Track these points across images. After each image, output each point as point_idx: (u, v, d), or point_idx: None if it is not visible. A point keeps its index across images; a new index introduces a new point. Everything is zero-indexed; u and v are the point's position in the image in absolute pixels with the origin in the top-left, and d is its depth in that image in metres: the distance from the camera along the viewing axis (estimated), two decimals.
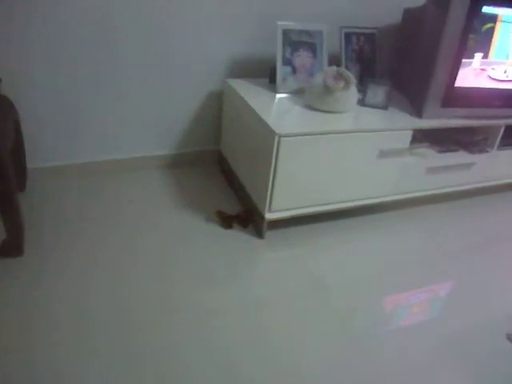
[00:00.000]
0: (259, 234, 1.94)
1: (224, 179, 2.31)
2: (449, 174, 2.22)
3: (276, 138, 1.69)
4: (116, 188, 2.15)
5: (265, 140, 1.77)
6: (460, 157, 2.23)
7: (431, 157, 2.15)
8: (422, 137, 2.15)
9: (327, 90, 1.87)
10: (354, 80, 1.86)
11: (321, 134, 1.76)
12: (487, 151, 2.30)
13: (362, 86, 2.05)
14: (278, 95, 2.04)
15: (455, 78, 1.97)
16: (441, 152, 2.20)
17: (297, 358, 1.46)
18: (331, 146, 1.80)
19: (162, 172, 2.31)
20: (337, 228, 2.07)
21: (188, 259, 1.79)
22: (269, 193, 1.81)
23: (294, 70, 2.06)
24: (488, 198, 2.52)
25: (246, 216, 1.98)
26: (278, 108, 1.92)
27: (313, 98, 1.92)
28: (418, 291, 1.80)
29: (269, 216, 1.88)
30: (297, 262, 1.86)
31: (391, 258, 1.97)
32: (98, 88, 2.02)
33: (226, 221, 1.96)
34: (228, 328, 1.52)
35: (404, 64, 2.23)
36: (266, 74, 2.16)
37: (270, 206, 1.85)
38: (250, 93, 2.01)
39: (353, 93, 1.93)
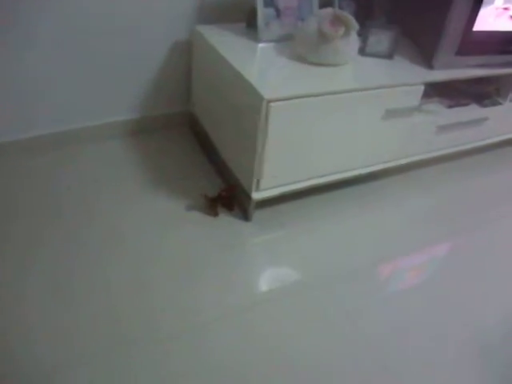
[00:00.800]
0: (245, 216, 1.62)
1: (199, 147, 1.95)
2: (459, 132, 1.92)
3: (264, 104, 1.34)
4: (74, 164, 1.77)
5: (249, 105, 1.41)
6: (471, 111, 1.92)
7: (441, 113, 1.82)
8: (431, 91, 1.82)
9: (323, 38, 1.51)
10: (356, 25, 1.50)
11: (318, 95, 1.42)
12: (500, 103, 1.98)
13: (362, 31, 1.67)
14: (261, 44, 1.66)
15: (475, 20, 1.62)
16: (450, 107, 1.88)
17: (299, 356, 1.23)
18: (330, 109, 1.46)
19: (124, 141, 1.93)
20: (334, 200, 1.78)
21: (158, 251, 1.48)
22: (256, 169, 1.47)
23: (279, 13, 1.67)
24: (500, 152, 2.24)
25: (228, 195, 1.63)
26: (262, 62, 1.56)
27: (304, 49, 1.56)
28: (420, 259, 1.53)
29: (257, 196, 1.55)
30: (290, 246, 1.57)
31: (394, 232, 1.70)
32: (36, 44, 1.60)
33: (211, 206, 1.62)
34: (219, 331, 1.27)
35: (411, 3, 1.85)
36: (242, 18, 1.76)
37: (257, 184, 1.52)
38: (226, 42, 1.62)
39: (353, 40, 1.57)
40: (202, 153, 1.91)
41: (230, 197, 1.63)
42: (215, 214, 1.61)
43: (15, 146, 1.76)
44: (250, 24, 1.74)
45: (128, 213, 1.59)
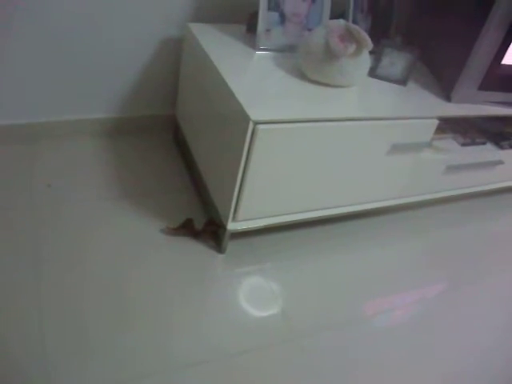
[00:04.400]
0: (219, 246, 1.41)
1: (179, 156, 1.73)
2: (469, 173, 1.71)
3: (250, 126, 1.13)
4: (32, 164, 1.55)
5: (234, 123, 1.21)
6: (486, 152, 1.71)
7: (454, 151, 1.62)
8: (444, 125, 1.61)
9: (329, 54, 1.30)
10: (370, 43, 1.29)
11: (316, 121, 1.21)
12: None
13: (375, 49, 1.46)
14: (258, 52, 1.45)
15: (505, 52, 1.42)
16: (464, 145, 1.67)
17: None
18: (327, 137, 1.26)
19: (99, 142, 1.72)
20: (318, 236, 1.57)
21: (123, 278, 1.27)
22: (235, 197, 1.27)
23: (284, 19, 1.46)
24: (509, 196, 2.03)
25: (211, 229, 1.43)
26: (255, 74, 1.35)
27: (307, 64, 1.35)
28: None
29: (233, 226, 1.35)
30: (266, 286, 1.37)
31: (379, 276, 1.50)
32: (14, 29, 1.38)
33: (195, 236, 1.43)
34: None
35: (432, 23, 1.64)
36: (243, 19, 1.55)
37: (234, 215, 1.31)
38: (219, 46, 1.41)
39: (364, 61, 1.36)
40: (183, 163, 1.70)
41: (213, 231, 1.43)
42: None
43: None
44: (250, 28, 1.53)
45: (89, 228, 1.38)
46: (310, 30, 1.47)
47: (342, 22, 1.33)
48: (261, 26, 1.43)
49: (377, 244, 1.61)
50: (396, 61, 1.47)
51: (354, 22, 1.54)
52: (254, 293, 1.33)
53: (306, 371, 1.18)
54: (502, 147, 1.74)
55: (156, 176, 1.62)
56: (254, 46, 1.45)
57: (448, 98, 1.49)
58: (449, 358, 1.31)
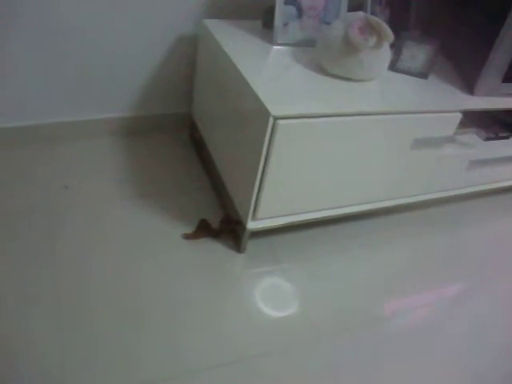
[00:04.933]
0: (237, 246, 1.39)
1: (196, 155, 1.71)
2: (492, 168, 1.66)
3: (270, 121, 1.10)
4: (48, 164, 1.54)
5: (253, 119, 1.18)
6: (511, 146, 1.66)
7: (477, 146, 1.57)
8: (467, 119, 1.57)
9: (349, 47, 1.27)
10: (391, 35, 1.25)
11: (335, 115, 1.18)
12: None
13: (395, 42, 1.42)
14: (276, 47, 1.42)
15: None
16: (488, 139, 1.63)
17: None
18: (348, 132, 1.23)
19: (114, 141, 1.71)
20: (338, 234, 1.55)
21: (137, 281, 1.24)
22: (254, 195, 1.24)
23: (301, 13, 1.43)
24: None
25: (227, 228, 1.41)
26: (273, 69, 1.32)
27: (326, 58, 1.32)
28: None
29: (252, 225, 1.32)
30: (286, 286, 1.34)
31: (401, 275, 1.47)
32: (26, 30, 1.37)
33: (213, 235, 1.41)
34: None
35: (453, 14, 1.60)
36: (259, 14, 1.52)
37: (254, 213, 1.28)
38: (235, 42, 1.39)
39: (385, 54, 1.33)
40: (199, 162, 1.68)
41: (230, 229, 1.41)
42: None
43: None
44: (266, 23, 1.50)
45: (106, 228, 1.37)
46: (327, 23, 1.44)
47: (361, 14, 1.30)
48: (278, 20, 1.40)
49: (398, 242, 1.58)
50: (416, 54, 1.43)
51: (373, 14, 1.51)
52: (274, 293, 1.31)
53: (325, 372, 1.14)
54: None
55: (172, 175, 1.60)
56: (271, 40, 1.42)
57: (471, 91, 1.45)
58: (468, 358, 1.27)
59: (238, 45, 1.37)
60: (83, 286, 1.20)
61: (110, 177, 1.55)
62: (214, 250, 1.38)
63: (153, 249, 1.34)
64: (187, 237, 1.39)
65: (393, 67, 1.44)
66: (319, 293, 1.34)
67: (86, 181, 1.51)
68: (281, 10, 1.40)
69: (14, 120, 1.54)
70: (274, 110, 1.10)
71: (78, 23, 1.44)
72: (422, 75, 1.45)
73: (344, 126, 1.20)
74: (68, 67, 1.51)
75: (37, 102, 1.54)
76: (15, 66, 1.45)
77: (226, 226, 1.40)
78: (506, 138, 1.67)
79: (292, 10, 1.42)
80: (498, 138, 1.65)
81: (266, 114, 1.10)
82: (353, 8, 1.46)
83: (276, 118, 1.10)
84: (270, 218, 1.33)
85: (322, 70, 1.33)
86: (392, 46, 1.36)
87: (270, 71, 1.30)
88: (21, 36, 1.39)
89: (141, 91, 1.68)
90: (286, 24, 1.42)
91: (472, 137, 1.60)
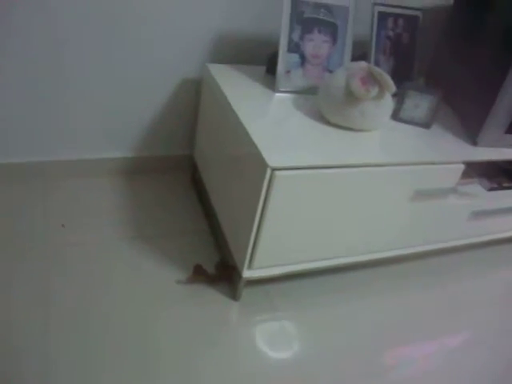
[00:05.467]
0: (233, 293, 1.36)
1: (196, 197, 1.70)
2: (495, 219, 1.63)
3: (268, 172, 1.09)
4: (46, 202, 1.53)
5: (251, 168, 1.17)
6: None
7: (480, 196, 1.55)
8: (470, 170, 1.55)
9: (351, 97, 1.26)
10: (393, 86, 1.25)
11: (335, 167, 1.17)
12: None
13: (398, 92, 1.42)
14: (278, 94, 1.42)
15: None
16: (491, 190, 1.61)
17: None
18: (348, 184, 1.21)
19: (115, 181, 1.70)
20: (335, 284, 1.51)
21: (123, 330, 1.21)
22: (251, 244, 1.22)
23: (304, 61, 1.44)
24: None
25: (223, 275, 1.39)
26: (274, 117, 1.31)
27: (328, 107, 1.31)
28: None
29: (248, 274, 1.29)
30: (284, 336, 1.30)
31: (398, 327, 1.42)
32: (33, 73, 1.39)
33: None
34: None
35: (456, 65, 1.60)
36: (263, 60, 1.53)
37: (250, 262, 1.26)
38: (237, 87, 1.39)
39: (387, 104, 1.32)
40: (200, 205, 1.67)
41: (226, 276, 1.39)
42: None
43: None
44: (269, 69, 1.51)
45: (103, 270, 1.35)
46: (330, 71, 1.45)
47: (363, 64, 1.30)
48: (280, 67, 1.41)
49: (396, 293, 1.54)
50: (419, 103, 1.43)
51: (376, 63, 1.52)
52: (270, 342, 1.27)
53: None
54: None
55: (172, 217, 1.59)
56: (274, 87, 1.43)
57: (474, 142, 1.44)
58: None
59: (239, 90, 1.38)
60: (79, 329, 1.17)
61: (109, 217, 1.54)
62: (209, 297, 1.35)
63: (148, 293, 1.31)
64: (184, 282, 1.36)
65: (395, 116, 1.44)
66: (316, 343, 1.30)
67: (84, 220, 1.50)
68: (284, 58, 1.41)
69: (14, 156, 1.54)
70: (272, 160, 1.08)
71: (80, 63, 1.45)
72: (425, 125, 1.44)
73: (344, 177, 1.18)
74: (70, 107, 1.52)
75: (39, 140, 1.55)
76: (18, 103, 1.45)
77: (221, 272, 1.38)
78: (510, 188, 1.65)
79: (295, 57, 1.43)
80: (501, 188, 1.63)
81: (264, 164, 1.09)
82: (357, 57, 1.46)
83: (274, 169, 1.08)
84: (267, 267, 1.30)
85: (322, 119, 1.32)
86: (395, 95, 1.35)
87: (271, 119, 1.29)
88: (24, 74, 1.40)
89: (143, 132, 1.68)
90: (288, 71, 1.42)
91: (475, 187, 1.58)
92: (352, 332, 1.36)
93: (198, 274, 1.38)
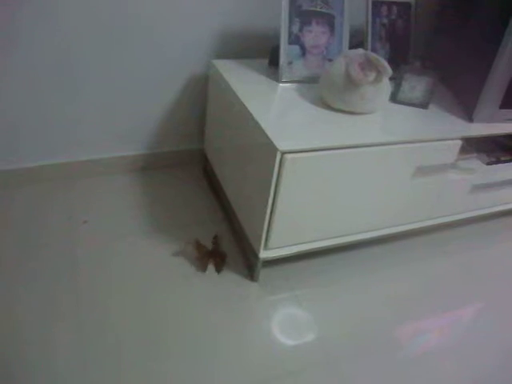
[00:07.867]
0: (251, 275, 1.44)
1: (209, 189, 1.79)
2: (495, 192, 1.71)
3: (278, 156, 1.17)
4: (69, 200, 1.62)
5: (261, 154, 1.25)
6: None
7: (479, 171, 1.63)
8: (468, 145, 1.63)
9: (350, 82, 1.34)
10: (389, 70, 1.33)
11: (341, 148, 1.24)
12: None
13: (396, 75, 1.50)
14: (282, 85, 1.50)
15: None
16: (489, 164, 1.68)
17: None
18: (353, 164, 1.29)
19: (131, 177, 1.79)
20: (349, 261, 1.59)
21: (157, 313, 1.30)
22: (265, 226, 1.30)
23: (304, 51, 1.52)
24: None
25: (219, 257, 1.47)
26: (280, 105, 1.39)
27: (329, 93, 1.39)
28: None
29: (265, 254, 1.38)
30: (302, 314, 1.38)
31: (414, 299, 1.50)
32: (45, 75, 1.47)
33: (202, 259, 1.46)
34: None
35: (450, 45, 1.68)
36: (265, 54, 1.61)
37: (266, 243, 1.34)
38: (243, 80, 1.47)
39: (385, 87, 1.40)
40: (213, 196, 1.75)
41: (221, 258, 1.47)
42: (202, 268, 1.44)
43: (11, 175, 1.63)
44: (272, 62, 1.59)
45: (125, 263, 1.43)
46: (330, 60, 1.53)
47: (360, 51, 1.38)
48: (282, 59, 1.49)
49: (408, 267, 1.62)
50: (416, 85, 1.50)
51: (373, 49, 1.59)
52: (289, 320, 1.35)
53: None
54: None
55: (187, 209, 1.68)
56: (277, 78, 1.50)
57: (470, 119, 1.51)
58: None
59: (245, 83, 1.46)
60: (104, 318, 1.26)
61: (128, 211, 1.62)
62: (228, 280, 1.43)
63: (170, 281, 1.40)
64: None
65: (394, 98, 1.51)
66: (334, 319, 1.38)
67: (106, 216, 1.58)
68: (285, 50, 1.49)
69: (35, 159, 1.64)
70: (281, 145, 1.17)
71: (91, 67, 1.53)
72: (423, 105, 1.52)
73: (348, 157, 1.26)
74: (84, 111, 1.61)
75: (61, 143, 1.64)
76: (37, 108, 1.54)
77: (214, 256, 1.47)
78: (508, 161, 1.72)
79: (296, 49, 1.50)
80: (499, 161, 1.70)
81: (274, 149, 1.17)
82: (354, 45, 1.54)
83: (283, 153, 1.17)
84: (282, 247, 1.39)
85: (325, 105, 1.40)
86: (392, 78, 1.43)
87: (277, 108, 1.37)
88: (43, 78, 1.49)
89: (155, 129, 1.77)
90: (290, 62, 1.50)
91: (474, 162, 1.65)
92: (366, 306, 1.44)
93: (195, 248, 1.46)
